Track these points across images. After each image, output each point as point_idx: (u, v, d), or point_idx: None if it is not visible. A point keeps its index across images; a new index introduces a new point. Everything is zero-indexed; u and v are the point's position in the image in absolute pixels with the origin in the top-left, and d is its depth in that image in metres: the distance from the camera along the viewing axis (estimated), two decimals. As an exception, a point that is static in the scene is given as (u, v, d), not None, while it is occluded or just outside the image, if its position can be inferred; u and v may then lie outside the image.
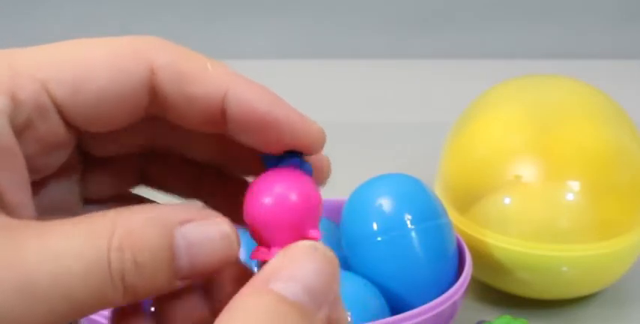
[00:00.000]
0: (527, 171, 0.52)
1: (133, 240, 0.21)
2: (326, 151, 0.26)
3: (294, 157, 0.25)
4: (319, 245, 0.22)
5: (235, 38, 0.93)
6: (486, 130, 0.56)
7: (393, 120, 0.80)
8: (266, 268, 0.22)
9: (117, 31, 0.94)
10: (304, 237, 0.24)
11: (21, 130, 0.23)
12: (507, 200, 0.52)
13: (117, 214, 0.22)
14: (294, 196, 0.24)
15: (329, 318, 0.22)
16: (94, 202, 0.27)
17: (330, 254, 0.22)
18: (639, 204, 0.53)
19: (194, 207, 0.23)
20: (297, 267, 0.22)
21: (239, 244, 0.23)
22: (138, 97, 0.24)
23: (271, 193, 0.24)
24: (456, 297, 0.46)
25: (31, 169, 0.24)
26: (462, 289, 0.47)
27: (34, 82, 0.23)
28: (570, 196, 0.51)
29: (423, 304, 0.44)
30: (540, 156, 0.53)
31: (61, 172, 0.26)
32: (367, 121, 0.79)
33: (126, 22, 0.92)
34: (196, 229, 0.22)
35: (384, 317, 0.44)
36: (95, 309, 0.21)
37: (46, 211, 0.24)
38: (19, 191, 0.23)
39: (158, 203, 0.24)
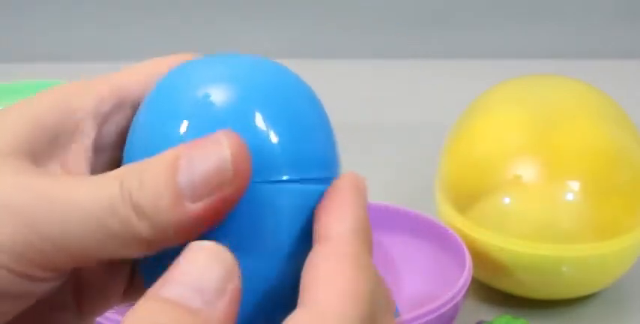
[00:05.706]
0: (527, 171, 0.52)
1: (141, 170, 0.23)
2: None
3: None
4: (205, 243, 0.22)
5: (236, 38, 0.93)
6: (486, 130, 0.56)
7: (393, 120, 0.80)
8: (161, 277, 0.22)
9: (117, 31, 0.94)
10: None
11: None
12: (507, 200, 0.52)
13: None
14: None
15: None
16: None
17: (218, 249, 0.22)
18: (639, 204, 0.53)
19: None
20: (186, 269, 0.21)
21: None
22: None
23: None
24: (458, 298, 0.46)
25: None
26: (464, 291, 0.47)
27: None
28: (570, 196, 0.51)
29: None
30: (540, 156, 0.53)
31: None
32: (367, 121, 0.79)
33: (126, 22, 0.92)
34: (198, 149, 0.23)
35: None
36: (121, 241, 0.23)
37: None
38: None
39: None
